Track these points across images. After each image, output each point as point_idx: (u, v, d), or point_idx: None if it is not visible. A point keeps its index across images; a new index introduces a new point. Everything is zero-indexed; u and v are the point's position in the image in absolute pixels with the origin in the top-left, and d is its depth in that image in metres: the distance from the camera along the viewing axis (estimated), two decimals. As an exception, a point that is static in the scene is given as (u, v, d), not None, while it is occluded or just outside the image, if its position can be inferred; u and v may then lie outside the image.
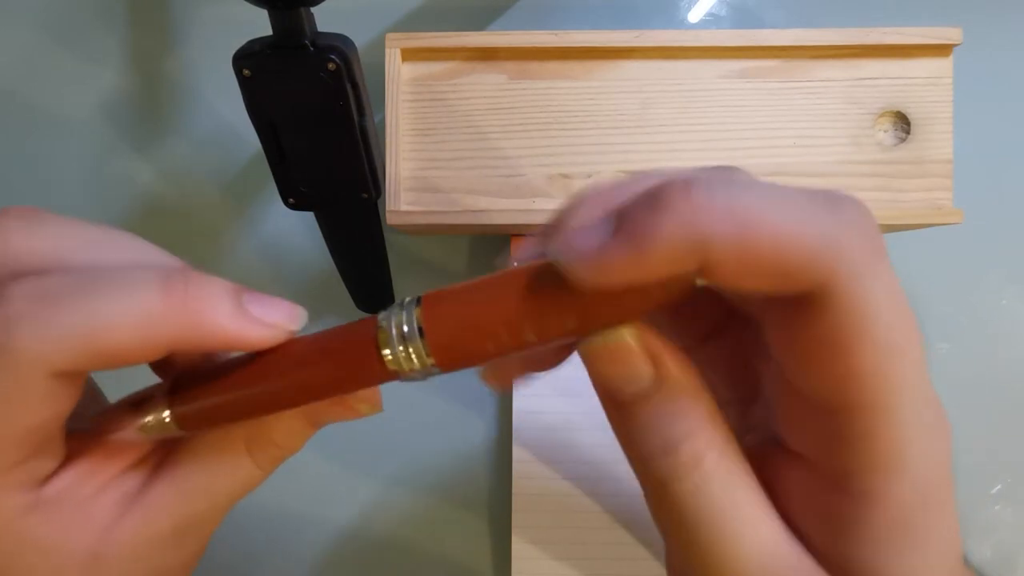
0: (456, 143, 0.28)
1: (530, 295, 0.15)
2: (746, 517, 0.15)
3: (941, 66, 0.28)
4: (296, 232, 0.33)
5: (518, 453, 0.29)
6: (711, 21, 0.33)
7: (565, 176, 0.28)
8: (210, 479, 0.18)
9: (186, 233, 0.34)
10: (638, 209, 0.14)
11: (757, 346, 0.17)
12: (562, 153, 0.28)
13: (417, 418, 0.32)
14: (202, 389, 0.17)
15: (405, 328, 0.15)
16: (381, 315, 0.16)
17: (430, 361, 0.16)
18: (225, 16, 0.34)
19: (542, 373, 0.18)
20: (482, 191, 0.28)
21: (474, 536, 0.32)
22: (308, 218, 0.28)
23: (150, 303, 0.15)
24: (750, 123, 0.28)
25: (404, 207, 0.28)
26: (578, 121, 0.28)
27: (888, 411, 0.14)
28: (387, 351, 0.16)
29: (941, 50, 0.28)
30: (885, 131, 0.28)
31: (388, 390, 0.34)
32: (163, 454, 0.18)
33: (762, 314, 0.16)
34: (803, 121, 0.28)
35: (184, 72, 0.34)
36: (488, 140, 0.28)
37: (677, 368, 0.15)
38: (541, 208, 0.28)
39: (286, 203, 0.27)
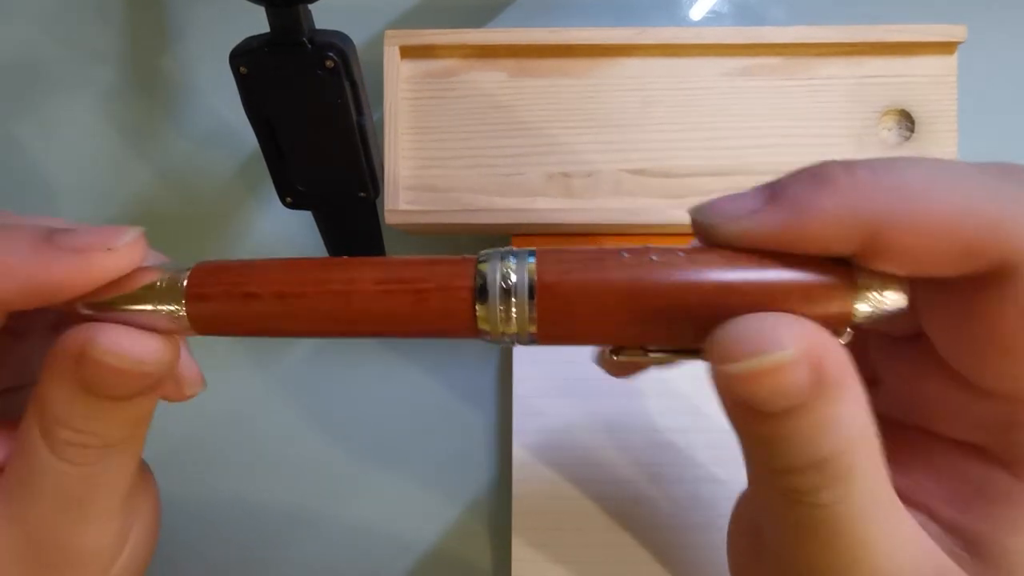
0: (455, 141, 0.28)
1: (667, 275, 0.13)
2: (888, 521, 0.14)
3: (945, 64, 0.28)
4: (294, 231, 0.33)
5: (518, 453, 0.29)
6: (713, 18, 0.33)
7: (565, 175, 0.28)
8: (20, 478, 0.16)
9: (183, 232, 0.34)
10: (797, 183, 0.13)
11: (882, 346, 0.16)
12: (562, 152, 0.28)
13: (417, 418, 0.32)
14: (230, 288, 0.14)
15: (513, 280, 0.13)
16: (482, 258, 0.13)
17: (531, 328, 0.13)
18: (222, 13, 0.33)
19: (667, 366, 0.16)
20: (482, 190, 0.28)
21: (474, 536, 0.32)
22: (306, 217, 0.28)
23: (20, 250, 0.14)
24: (752, 121, 0.28)
25: (403, 206, 0.28)
26: (578, 119, 0.28)
27: None
28: (482, 307, 0.13)
29: (945, 48, 0.28)
30: (889, 129, 0.28)
31: (387, 389, 0.34)
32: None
33: (919, 300, 0.14)
34: (806, 119, 0.28)
35: (181, 70, 0.34)
36: (488, 138, 0.28)
37: (838, 369, 0.13)
38: (541, 207, 0.28)
39: (284, 202, 0.27)
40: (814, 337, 0.13)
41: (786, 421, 0.13)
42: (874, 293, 0.13)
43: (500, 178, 0.28)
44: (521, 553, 0.28)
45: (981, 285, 0.13)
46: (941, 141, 0.28)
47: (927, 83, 0.28)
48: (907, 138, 0.28)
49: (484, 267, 0.13)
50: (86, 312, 0.15)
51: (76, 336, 0.15)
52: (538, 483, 0.29)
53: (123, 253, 0.15)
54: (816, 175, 0.13)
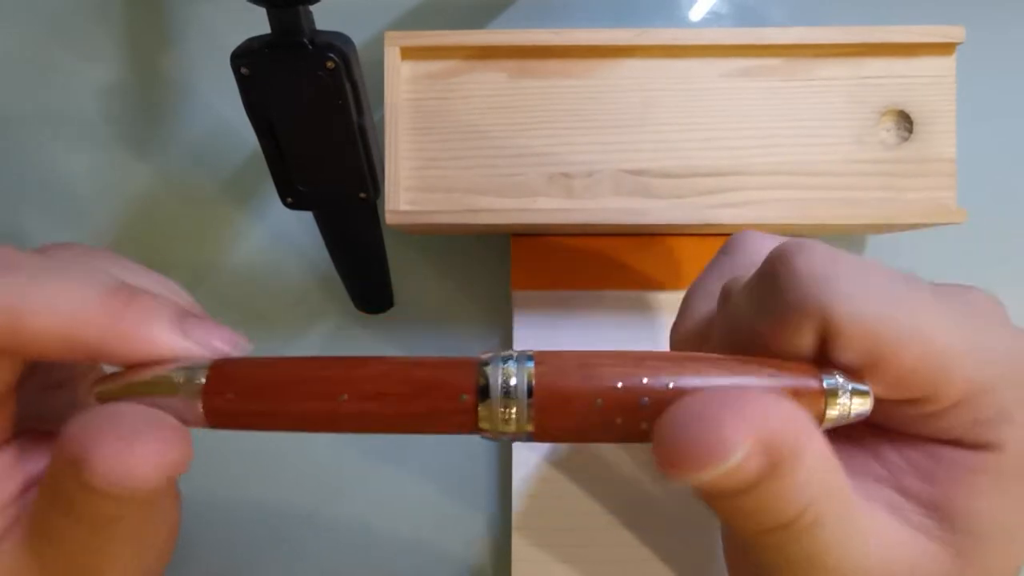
0: (456, 142, 0.28)
1: (663, 379, 0.14)
2: (857, 538, 0.14)
3: (944, 64, 0.28)
4: (294, 232, 0.33)
5: (518, 453, 0.29)
6: (713, 19, 0.33)
7: (566, 175, 0.28)
8: (42, 528, 0.16)
9: (183, 232, 0.34)
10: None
11: None
12: (563, 152, 0.28)
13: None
14: (247, 389, 0.15)
15: (513, 382, 0.14)
16: (484, 362, 0.14)
17: (528, 427, 0.14)
18: (222, 13, 0.33)
19: None
20: (482, 191, 0.28)
21: (474, 536, 0.32)
22: (307, 218, 0.28)
23: (85, 299, 0.15)
24: (752, 122, 0.28)
25: (403, 207, 0.28)
26: (579, 120, 0.28)
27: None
28: (484, 406, 0.14)
29: (944, 48, 0.28)
30: (888, 130, 0.28)
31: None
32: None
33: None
34: (806, 120, 0.28)
35: (181, 70, 0.34)
36: (488, 139, 0.28)
37: (792, 441, 0.13)
38: (541, 207, 0.28)
39: (284, 203, 0.27)
40: (764, 420, 0.13)
41: (745, 498, 0.13)
42: (842, 399, 0.14)
43: (500, 178, 0.28)
44: (521, 553, 0.28)
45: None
46: (940, 141, 0.28)
47: (926, 84, 0.28)
48: (906, 139, 0.28)
49: (486, 370, 0.14)
50: (94, 400, 0.15)
51: (73, 443, 0.14)
52: (538, 483, 0.29)
53: (192, 345, 0.16)
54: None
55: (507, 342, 0.32)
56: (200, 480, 0.32)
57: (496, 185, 0.28)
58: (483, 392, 0.14)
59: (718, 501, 0.13)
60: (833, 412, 0.14)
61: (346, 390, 0.14)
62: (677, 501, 0.28)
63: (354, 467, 0.32)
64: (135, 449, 0.14)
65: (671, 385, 0.14)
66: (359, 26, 0.28)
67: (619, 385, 0.14)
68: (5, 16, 0.34)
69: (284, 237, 0.33)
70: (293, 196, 0.26)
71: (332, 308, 0.33)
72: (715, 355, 0.15)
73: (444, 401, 0.14)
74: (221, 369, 0.15)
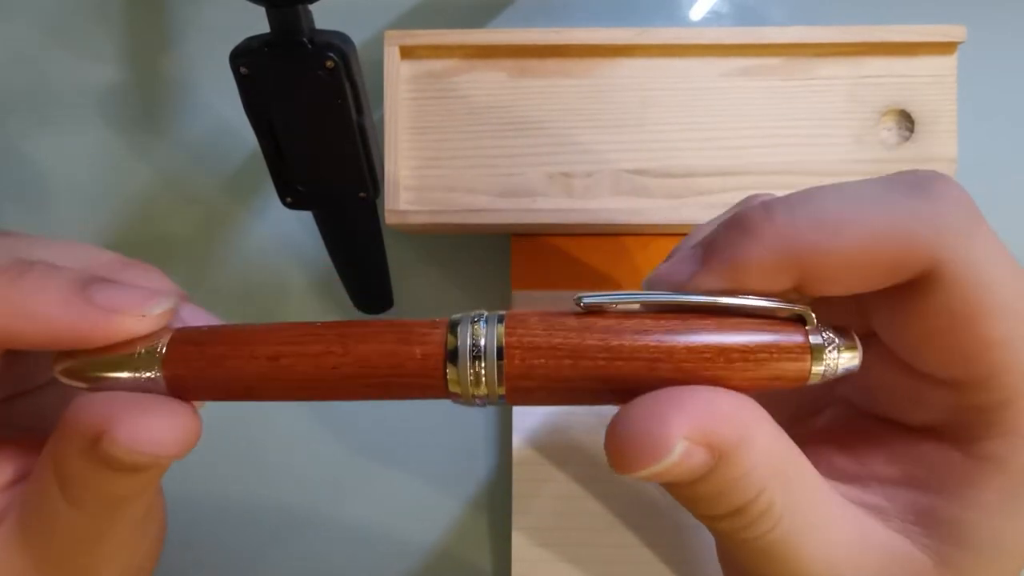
0: (455, 142, 0.28)
1: (636, 337, 0.13)
2: (822, 529, 0.14)
3: (945, 64, 0.28)
4: (294, 232, 0.33)
5: (518, 453, 0.29)
6: (713, 19, 0.33)
7: (565, 175, 0.28)
8: (35, 511, 0.15)
9: (182, 232, 0.34)
10: (723, 237, 0.14)
11: None
12: (562, 152, 0.28)
13: (416, 417, 0.32)
14: (207, 356, 0.14)
15: (483, 343, 0.13)
16: (454, 323, 0.14)
17: (500, 390, 0.14)
18: (222, 13, 0.33)
19: None
20: (482, 190, 0.28)
21: (474, 536, 0.32)
22: (306, 218, 0.28)
23: None
24: (752, 121, 0.28)
25: (403, 206, 0.28)
26: (579, 119, 0.28)
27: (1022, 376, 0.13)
28: (452, 369, 0.13)
29: (945, 48, 0.28)
30: (889, 129, 0.28)
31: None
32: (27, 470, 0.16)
33: (865, 305, 0.15)
34: (806, 119, 0.28)
35: (181, 70, 0.34)
36: (488, 138, 0.28)
37: (735, 433, 0.13)
38: (541, 207, 0.28)
39: (284, 202, 0.27)
40: (703, 416, 0.13)
41: (695, 488, 0.14)
42: (829, 354, 0.14)
43: (500, 178, 0.28)
44: (521, 553, 0.28)
45: (912, 290, 0.14)
46: (941, 141, 0.28)
47: (927, 83, 0.28)
48: (907, 138, 0.28)
49: (455, 331, 0.14)
50: (64, 379, 0.15)
51: (92, 418, 0.14)
52: (538, 483, 0.29)
53: (153, 321, 0.15)
54: (739, 224, 0.14)
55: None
56: (200, 481, 0.32)
57: (496, 185, 0.28)
58: (452, 354, 0.13)
59: (673, 489, 0.14)
60: (819, 368, 0.14)
61: (315, 355, 0.14)
62: (676, 501, 0.28)
63: (354, 467, 0.32)
64: (157, 418, 0.14)
65: (643, 343, 0.14)
66: (359, 26, 0.28)
67: (590, 343, 0.13)
68: (5, 16, 0.34)
69: (284, 237, 0.33)
70: (293, 196, 0.26)
71: (332, 308, 0.33)
72: (689, 315, 0.14)
73: (412, 362, 0.14)
74: (180, 337, 0.15)
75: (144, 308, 0.15)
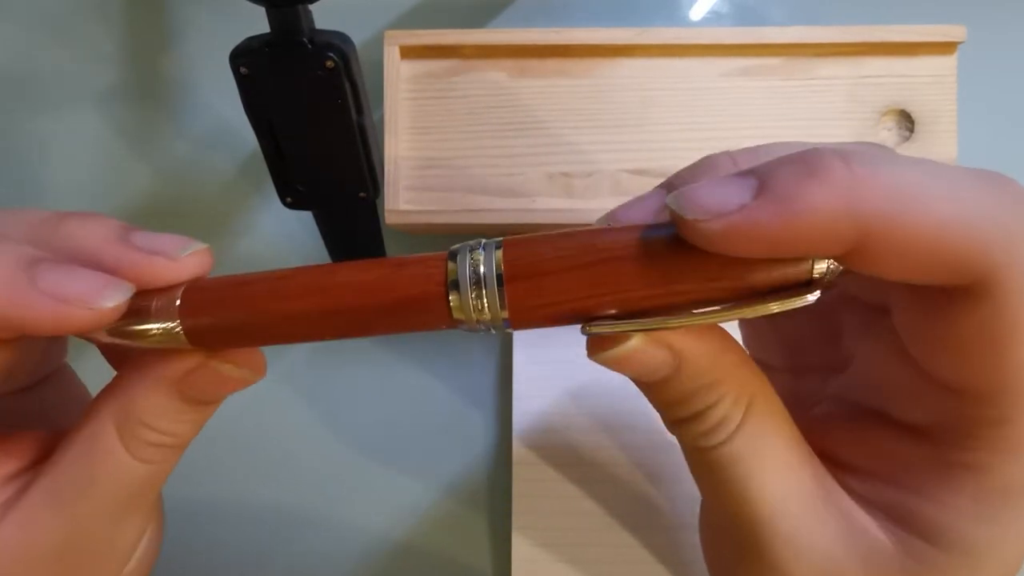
0: (455, 142, 0.28)
1: (634, 258, 0.13)
2: (777, 466, 0.15)
3: (945, 64, 0.28)
4: (294, 231, 0.33)
5: (518, 453, 0.29)
6: (713, 19, 0.33)
7: (565, 175, 0.28)
8: (82, 475, 0.16)
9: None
10: (788, 173, 0.12)
11: (860, 322, 0.17)
12: (562, 152, 0.28)
13: (417, 418, 0.32)
14: (220, 300, 0.15)
15: (482, 270, 0.14)
16: (453, 251, 0.14)
17: (503, 314, 0.14)
18: (222, 13, 0.33)
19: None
20: (482, 190, 0.28)
21: (474, 536, 0.32)
22: (306, 217, 0.28)
23: None
24: (752, 121, 0.28)
25: (403, 206, 0.28)
26: (579, 119, 0.28)
27: None
28: (455, 295, 0.14)
29: (945, 48, 0.28)
30: (889, 129, 0.28)
31: (388, 389, 0.34)
32: (43, 459, 0.16)
33: (892, 296, 0.15)
34: (806, 119, 0.28)
35: (181, 70, 0.34)
36: (488, 139, 0.28)
37: (698, 351, 0.15)
38: (541, 207, 0.28)
39: (284, 202, 0.27)
40: (666, 334, 0.14)
41: (663, 387, 0.15)
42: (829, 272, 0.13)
43: (500, 178, 0.28)
44: (521, 553, 0.28)
45: (955, 295, 0.13)
46: (941, 141, 0.28)
47: (927, 83, 0.28)
48: (907, 138, 0.28)
49: (455, 260, 0.14)
50: (106, 339, 0.15)
51: (189, 357, 0.16)
52: (538, 483, 0.29)
53: (104, 315, 0.14)
54: (810, 164, 0.12)
55: (507, 342, 0.32)
56: (200, 481, 0.32)
57: (496, 185, 0.28)
58: (453, 283, 0.14)
59: (644, 389, 0.16)
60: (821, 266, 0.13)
61: (321, 288, 0.14)
62: (677, 501, 0.28)
63: (354, 467, 0.32)
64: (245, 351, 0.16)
65: (632, 250, 0.14)
66: (359, 25, 0.28)
67: (587, 261, 0.14)
68: (5, 16, 0.34)
69: (284, 237, 0.33)
70: (293, 196, 0.26)
71: (332, 308, 0.33)
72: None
73: (416, 294, 0.14)
74: (193, 287, 0.15)
75: (96, 299, 0.14)
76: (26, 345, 0.17)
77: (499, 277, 0.14)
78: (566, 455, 0.29)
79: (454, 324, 0.14)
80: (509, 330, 0.15)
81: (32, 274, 0.14)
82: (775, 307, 0.13)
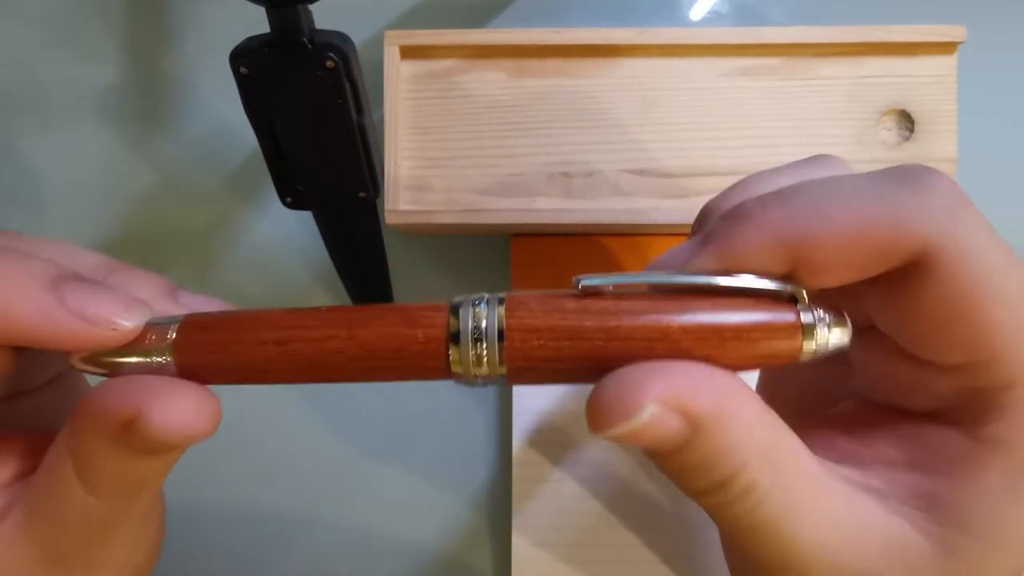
0: (456, 142, 0.28)
1: (632, 318, 0.14)
2: (813, 512, 0.15)
3: (945, 64, 0.28)
4: (294, 232, 0.33)
5: (518, 453, 0.29)
6: (713, 19, 0.33)
7: (566, 175, 0.28)
8: (47, 505, 0.15)
9: (182, 232, 0.34)
10: (722, 225, 0.15)
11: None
12: (563, 152, 0.28)
13: (417, 418, 0.32)
14: (216, 340, 0.15)
15: (484, 325, 0.14)
16: (455, 306, 0.14)
17: (502, 370, 0.14)
18: (222, 13, 0.33)
19: None
20: (482, 190, 0.28)
21: (474, 536, 0.32)
22: (306, 217, 0.28)
23: None
24: (752, 121, 0.28)
25: (403, 206, 0.28)
26: (579, 119, 0.28)
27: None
28: (454, 350, 0.14)
29: (945, 48, 0.27)
30: (889, 129, 0.28)
31: (385, 387, 0.34)
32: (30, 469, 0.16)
33: (863, 295, 0.16)
34: (806, 119, 0.28)
35: (181, 70, 0.34)
36: (488, 139, 0.28)
37: (714, 404, 0.14)
38: (541, 207, 0.28)
39: (284, 202, 0.27)
40: (679, 384, 0.14)
41: (678, 457, 0.14)
42: (820, 331, 0.14)
43: (500, 178, 0.28)
44: (521, 553, 0.28)
45: (906, 278, 0.14)
46: (941, 141, 0.28)
47: (927, 83, 0.28)
48: (907, 138, 0.28)
49: (457, 313, 0.14)
50: (80, 366, 0.15)
51: (124, 402, 0.14)
52: (538, 483, 0.29)
53: (125, 335, 0.15)
54: (736, 214, 0.15)
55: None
56: (199, 481, 0.32)
57: (496, 185, 0.28)
58: (454, 336, 0.14)
59: (658, 460, 0.15)
60: (810, 346, 0.14)
61: (320, 337, 0.14)
62: (677, 501, 0.28)
63: (354, 467, 0.32)
64: (187, 399, 0.15)
65: (639, 323, 0.14)
66: (359, 25, 0.28)
67: (587, 325, 0.14)
68: (5, 16, 0.34)
69: (284, 237, 0.33)
70: (293, 196, 0.26)
71: (332, 308, 0.33)
72: (685, 296, 0.15)
73: (415, 344, 0.14)
74: (190, 323, 0.15)
75: (116, 321, 0.15)
76: (35, 351, 0.17)
77: (500, 333, 0.14)
78: (566, 455, 0.29)
79: (451, 376, 0.14)
80: (506, 385, 0.15)
81: (59, 292, 0.14)
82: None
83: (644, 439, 0.14)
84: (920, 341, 0.15)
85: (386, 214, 0.28)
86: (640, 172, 0.28)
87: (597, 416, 0.14)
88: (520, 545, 0.29)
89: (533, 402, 0.29)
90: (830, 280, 0.15)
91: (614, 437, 0.14)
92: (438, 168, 0.28)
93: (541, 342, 0.14)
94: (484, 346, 0.14)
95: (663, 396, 0.13)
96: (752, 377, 0.21)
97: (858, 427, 0.17)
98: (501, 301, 0.14)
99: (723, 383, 0.14)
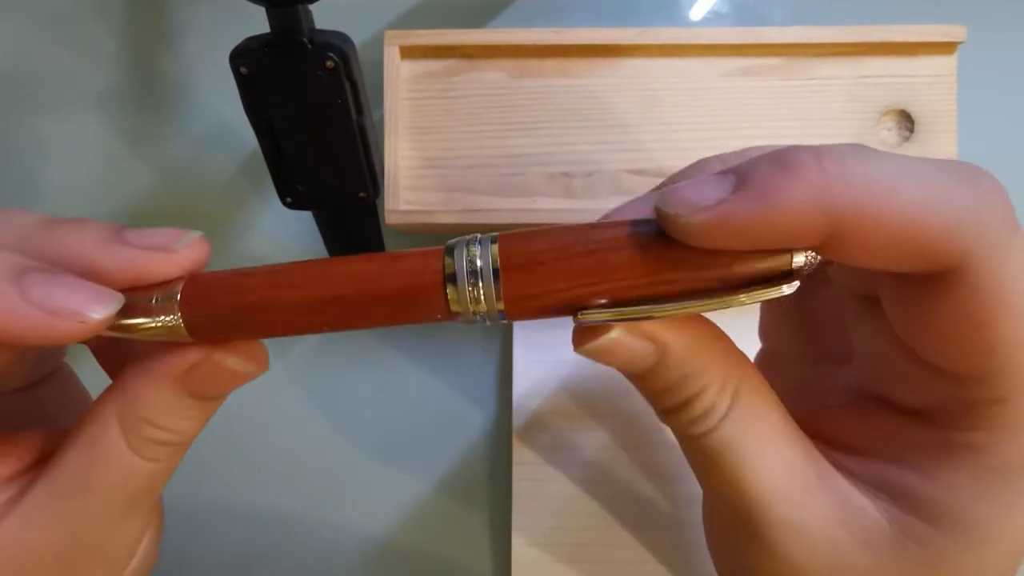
0: (455, 142, 0.28)
1: (622, 250, 0.14)
2: (768, 452, 0.15)
3: (945, 64, 0.28)
4: (294, 231, 0.33)
5: (518, 452, 0.29)
6: (713, 19, 0.33)
7: (566, 175, 0.28)
8: (84, 475, 0.16)
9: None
10: (764, 170, 0.13)
11: (856, 312, 0.17)
12: (563, 152, 0.28)
13: (417, 418, 0.32)
14: (219, 291, 0.15)
15: (479, 263, 0.14)
16: (449, 246, 0.15)
17: (499, 306, 0.14)
18: (222, 13, 0.33)
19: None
20: (482, 190, 0.28)
21: (474, 536, 0.32)
22: (306, 217, 0.28)
23: None
24: (752, 121, 0.28)
25: (403, 206, 0.28)
26: (579, 119, 0.28)
27: None
28: (452, 288, 0.14)
29: (945, 48, 0.28)
30: (889, 129, 0.28)
31: (388, 389, 0.34)
32: (44, 459, 0.16)
33: (878, 286, 0.15)
34: (806, 119, 0.28)
35: (181, 70, 0.34)
36: (488, 139, 0.28)
37: (680, 341, 0.15)
38: (541, 207, 0.28)
39: (284, 202, 0.27)
40: (647, 324, 0.15)
41: (649, 377, 0.16)
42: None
43: (500, 178, 0.28)
44: (521, 553, 0.28)
45: (933, 280, 0.13)
46: (941, 141, 0.28)
47: (927, 83, 0.28)
48: (907, 138, 0.28)
49: (452, 254, 0.14)
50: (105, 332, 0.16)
51: (191, 352, 0.16)
52: (538, 483, 0.29)
53: (93, 327, 0.14)
54: (784, 162, 0.13)
55: (507, 342, 0.32)
56: (199, 481, 0.32)
57: (496, 185, 0.28)
58: (451, 277, 0.14)
59: (635, 382, 0.16)
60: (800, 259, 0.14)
61: (320, 278, 0.15)
62: (677, 501, 0.28)
63: (354, 467, 0.32)
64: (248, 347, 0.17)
65: (621, 245, 0.14)
66: (359, 26, 0.28)
67: (578, 252, 0.14)
68: (5, 16, 0.34)
69: (284, 237, 0.33)
70: (293, 196, 0.26)
71: (332, 308, 0.33)
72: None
73: (414, 287, 0.15)
74: (193, 281, 0.16)
75: (84, 313, 0.14)
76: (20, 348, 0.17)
77: (495, 270, 0.14)
78: (566, 455, 0.29)
79: (451, 316, 0.15)
80: (504, 321, 0.15)
81: (21, 285, 0.14)
82: (745, 299, 0.14)
83: (617, 357, 0.15)
84: (927, 342, 0.14)
85: (386, 214, 0.28)
86: (640, 172, 0.28)
87: (575, 336, 0.15)
88: (520, 545, 0.29)
89: (533, 402, 0.29)
90: (859, 261, 0.13)
91: (587, 353, 0.15)
92: (438, 168, 0.28)
93: (538, 275, 0.14)
94: (481, 283, 0.14)
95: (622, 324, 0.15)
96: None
97: (842, 416, 0.17)
98: (494, 240, 0.15)
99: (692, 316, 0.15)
